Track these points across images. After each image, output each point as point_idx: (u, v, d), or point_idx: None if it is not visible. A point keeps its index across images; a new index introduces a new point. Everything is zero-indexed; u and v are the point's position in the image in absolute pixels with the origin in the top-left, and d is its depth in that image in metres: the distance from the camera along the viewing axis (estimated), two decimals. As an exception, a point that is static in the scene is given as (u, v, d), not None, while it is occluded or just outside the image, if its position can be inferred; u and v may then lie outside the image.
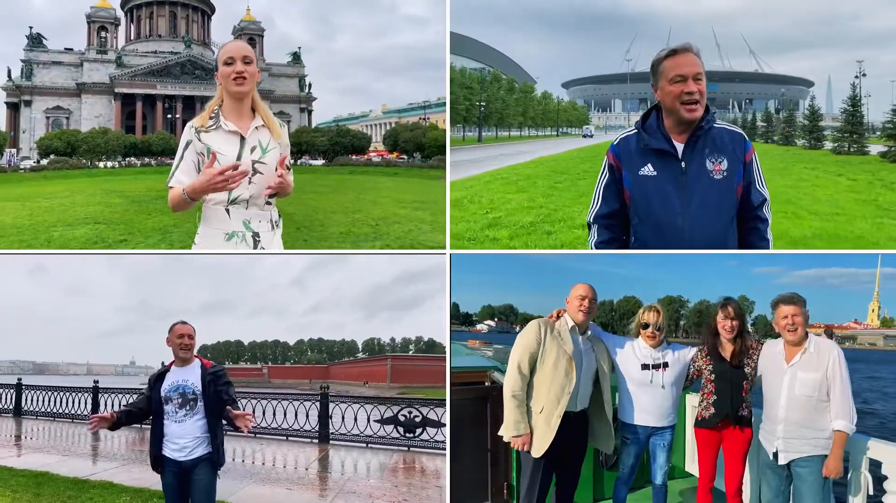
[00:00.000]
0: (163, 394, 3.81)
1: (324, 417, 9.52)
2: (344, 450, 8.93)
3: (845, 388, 3.50)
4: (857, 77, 38.84)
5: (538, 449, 3.68)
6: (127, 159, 37.88)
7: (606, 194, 3.13)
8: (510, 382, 3.72)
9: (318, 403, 9.68)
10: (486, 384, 4.95)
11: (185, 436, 3.76)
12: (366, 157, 42.47)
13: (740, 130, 3.12)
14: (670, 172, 3.01)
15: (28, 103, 42.80)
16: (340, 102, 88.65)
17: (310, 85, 49.82)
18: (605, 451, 4.03)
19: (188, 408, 3.78)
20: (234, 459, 7.92)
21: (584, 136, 53.57)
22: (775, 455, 3.65)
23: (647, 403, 3.96)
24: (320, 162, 41.04)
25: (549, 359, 3.70)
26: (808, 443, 3.54)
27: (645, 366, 3.96)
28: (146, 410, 3.88)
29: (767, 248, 3.11)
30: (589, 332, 3.89)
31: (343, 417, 9.54)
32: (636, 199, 3.05)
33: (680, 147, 3.02)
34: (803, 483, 3.54)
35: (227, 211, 3.00)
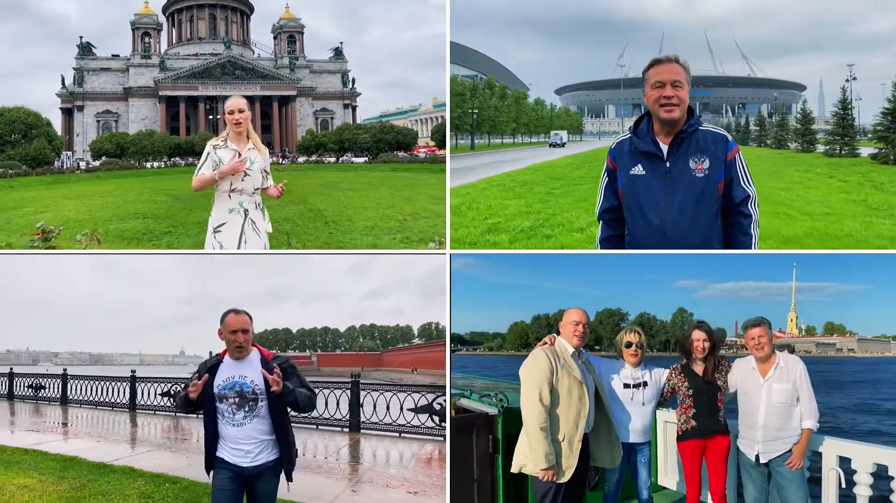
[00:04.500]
0: (216, 391, 3.19)
1: (354, 405, 8.97)
2: (375, 439, 8.40)
3: (811, 394, 3.85)
4: (847, 81, 38.30)
5: (565, 476, 3.54)
6: (172, 159, 37.98)
7: (607, 192, 3.40)
8: (536, 415, 3.48)
9: (349, 391, 9.08)
10: (453, 413, 4.75)
11: (246, 440, 3.20)
12: (413, 152, 39.40)
13: (724, 132, 3.22)
14: (657, 171, 3.17)
15: (80, 108, 43.21)
16: (382, 98, 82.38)
17: (353, 80, 47.23)
18: (610, 467, 3.90)
19: (247, 409, 3.18)
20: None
21: (553, 146, 44.99)
22: (756, 457, 3.90)
23: (628, 421, 3.96)
24: (363, 159, 38.71)
25: (562, 387, 3.53)
26: (784, 442, 3.84)
27: (626, 385, 3.98)
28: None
29: (750, 242, 3.19)
30: (583, 355, 3.81)
31: (375, 406, 8.93)
32: (627, 196, 3.25)
33: (665, 148, 3.16)
34: (784, 477, 3.83)
35: (230, 196, 4.48)
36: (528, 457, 3.54)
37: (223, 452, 3.18)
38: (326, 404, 9.13)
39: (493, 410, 4.44)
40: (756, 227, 3.20)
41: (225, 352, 3.26)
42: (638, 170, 3.20)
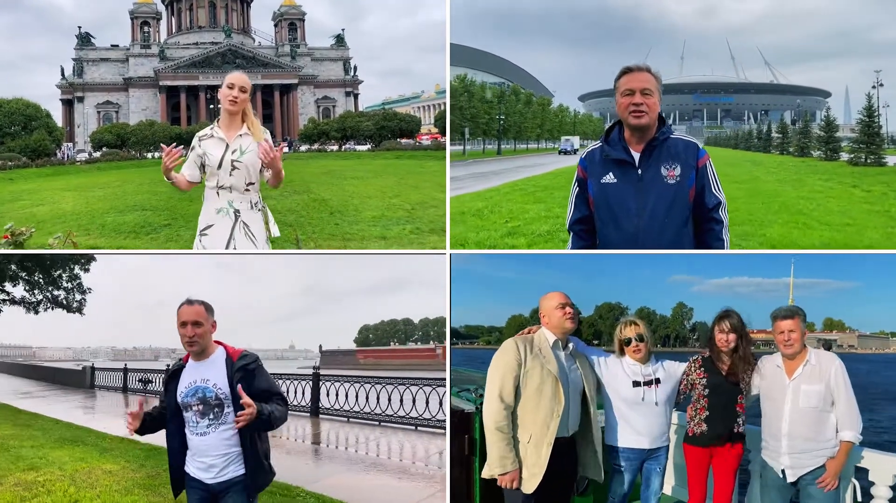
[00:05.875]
0: (179, 399, 2.98)
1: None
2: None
3: (850, 398, 3.42)
4: (874, 87, 38.18)
5: (530, 485, 3.20)
6: (173, 150, 38.34)
7: (577, 202, 3.43)
8: (491, 413, 3.21)
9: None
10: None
11: (210, 452, 2.96)
12: (417, 140, 39.86)
13: (695, 140, 3.33)
14: (628, 179, 3.23)
15: (80, 99, 43.66)
16: (384, 85, 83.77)
17: (355, 68, 47.63)
18: (596, 480, 3.52)
19: (212, 416, 2.94)
20: (334, 446, 7.67)
21: (563, 153, 44.00)
22: (783, 472, 3.48)
23: (640, 424, 3.59)
24: (366, 147, 38.92)
25: (532, 381, 3.24)
26: (815, 456, 3.42)
27: (636, 384, 3.58)
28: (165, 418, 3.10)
29: (723, 246, 3.27)
30: (571, 347, 3.46)
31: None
32: (598, 205, 3.31)
33: (637, 156, 3.24)
34: (813, 498, 3.43)
35: (218, 193, 3.90)
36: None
37: (190, 466, 2.99)
38: (428, 403, 8.69)
39: (469, 407, 4.08)
40: (727, 232, 3.31)
41: (188, 356, 3.05)
42: (609, 178, 3.27)
